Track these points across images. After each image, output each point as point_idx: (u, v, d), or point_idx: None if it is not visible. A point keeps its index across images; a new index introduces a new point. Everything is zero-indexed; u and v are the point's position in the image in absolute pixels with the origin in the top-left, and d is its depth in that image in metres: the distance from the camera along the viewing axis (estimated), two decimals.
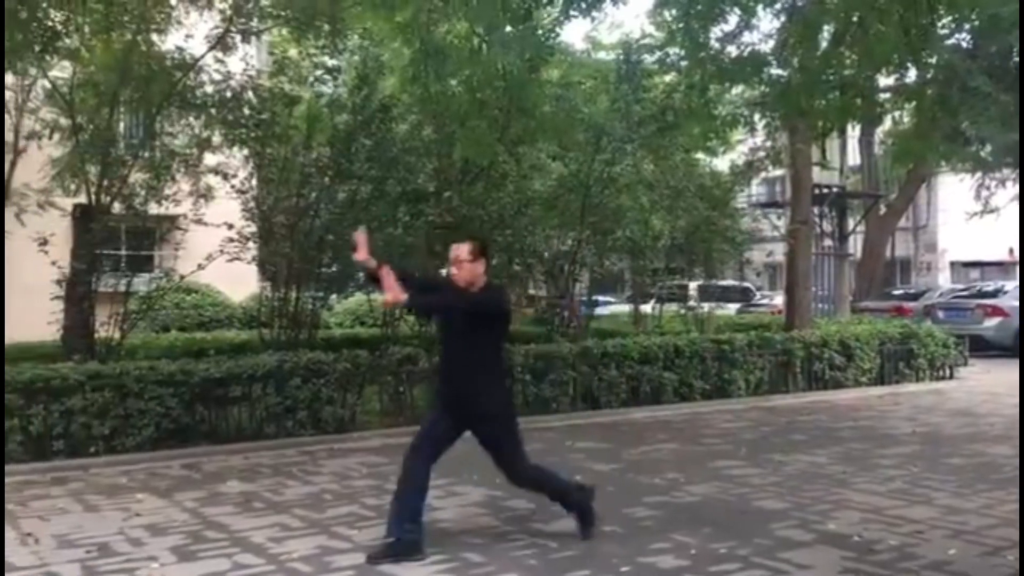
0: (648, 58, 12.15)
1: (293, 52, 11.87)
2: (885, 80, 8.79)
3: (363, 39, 11.57)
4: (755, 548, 5.06)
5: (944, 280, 30.76)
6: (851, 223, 23.21)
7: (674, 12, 7.80)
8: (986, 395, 12.09)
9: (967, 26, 6.94)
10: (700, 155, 15.94)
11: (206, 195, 11.37)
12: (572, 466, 7.44)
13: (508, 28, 7.99)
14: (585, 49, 20.31)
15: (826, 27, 7.67)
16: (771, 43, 8.05)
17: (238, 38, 10.75)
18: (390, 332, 11.74)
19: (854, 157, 24.99)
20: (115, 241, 13.10)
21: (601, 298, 18.19)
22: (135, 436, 7.89)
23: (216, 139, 11.10)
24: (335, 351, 9.26)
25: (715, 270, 16.70)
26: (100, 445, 7.76)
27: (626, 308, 19.62)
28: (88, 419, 7.72)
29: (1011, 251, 27.06)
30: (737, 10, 7.48)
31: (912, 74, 7.74)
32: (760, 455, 7.92)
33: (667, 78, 12.64)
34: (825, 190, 21.30)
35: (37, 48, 9.66)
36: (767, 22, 8.50)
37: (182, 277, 10.82)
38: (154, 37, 10.43)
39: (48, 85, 11.13)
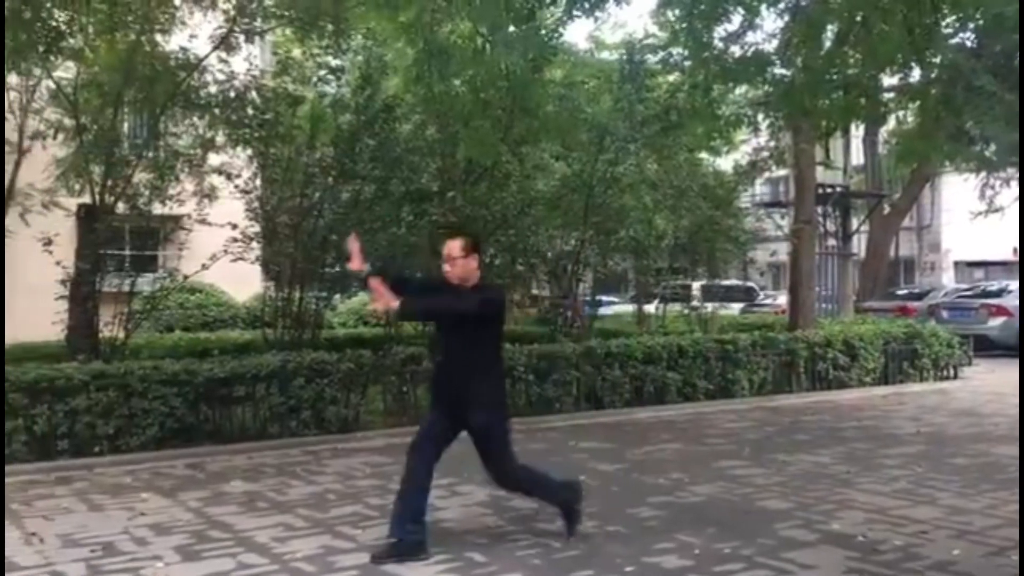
0: (651, 58, 12.13)
1: (297, 52, 11.88)
2: (889, 79, 8.77)
3: (367, 39, 11.57)
4: (759, 548, 5.06)
5: (948, 280, 30.72)
6: (855, 223, 23.18)
7: (677, 12, 7.79)
8: (990, 395, 12.07)
9: (971, 25, 6.93)
10: (704, 155, 15.96)
11: (210, 195, 11.38)
12: (576, 466, 7.44)
13: (511, 28, 8.00)
14: (588, 49, 20.35)
15: (830, 27, 7.66)
16: (775, 43, 8.04)
17: (242, 38, 10.75)
18: (393, 332, 11.75)
19: (858, 157, 24.93)
20: (119, 241, 13.11)
21: (605, 298, 18.22)
22: (139, 436, 7.90)
23: (220, 139, 11.11)
24: (339, 351, 9.26)
25: (719, 270, 16.70)
26: (104, 445, 7.77)
27: (630, 308, 19.65)
28: (92, 419, 7.74)
29: (1015, 251, 27.00)
30: (740, 10, 7.47)
31: (916, 73, 7.73)
32: (764, 455, 7.91)
33: (671, 78, 12.63)
34: (829, 190, 21.26)
35: (41, 48, 9.68)
36: (771, 22, 8.53)
37: (186, 277, 10.83)
38: (158, 37, 10.44)
39: (52, 85, 11.15)
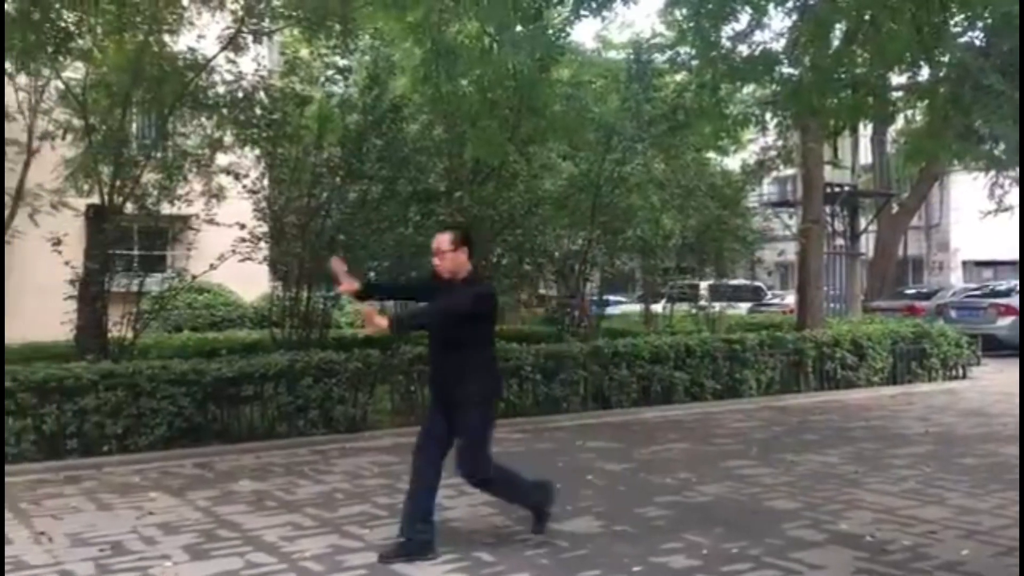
0: (659, 57, 12.15)
1: (304, 52, 11.91)
2: (897, 78, 8.75)
3: (374, 39, 11.61)
4: (767, 548, 5.05)
5: (957, 279, 30.63)
6: (863, 222, 23.13)
7: (685, 11, 7.78)
8: (999, 395, 12.03)
9: (980, 24, 6.91)
10: (711, 154, 15.93)
11: (218, 195, 11.42)
12: (583, 466, 7.45)
13: (519, 28, 7.99)
14: (595, 48, 20.32)
15: (838, 25, 7.64)
16: (782, 42, 8.02)
17: (250, 38, 10.78)
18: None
19: (866, 156, 24.90)
20: (128, 241, 13.17)
21: (612, 298, 18.24)
22: (148, 435, 7.92)
23: (228, 139, 11.14)
24: (346, 350, 9.28)
25: (726, 269, 16.68)
26: (113, 444, 7.80)
27: (637, 308, 19.63)
28: (101, 418, 7.76)
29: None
30: (748, 9, 7.45)
31: (925, 72, 7.70)
32: (772, 455, 7.90)
33: (678, 77, 12.64)
34: (837, 189, 21.23)
35: (50, 49, 9.72)
36: (778, 21, 8.46)
37: (194, 277, 10.86)
38: (166, 38, 10.48)
39: (61, 86, 11.19)
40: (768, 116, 9.43)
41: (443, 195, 11.62)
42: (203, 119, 11.05)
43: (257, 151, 11.02)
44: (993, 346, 16.39)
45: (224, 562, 4.89)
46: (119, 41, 10.20)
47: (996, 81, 5.92)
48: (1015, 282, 20.53)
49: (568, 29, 9.33)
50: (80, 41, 9.98)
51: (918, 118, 11.11)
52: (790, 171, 20.87)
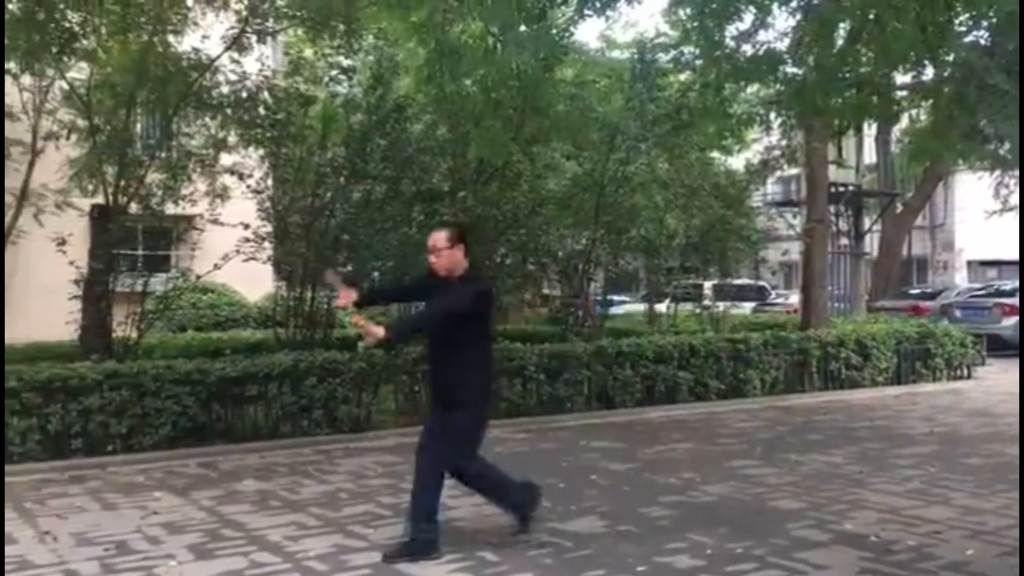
0: (663, 57, 12.13)
1: (308, 52, 11.91)
2: (902, 78, 8.72)
3: (378, 39, 11.60)
4: (771, 548, 5.05)
5: (961, 279, 30.58)
6: (867, 222, 23.10)
7: (689, 11, 7.76)
8: (1004, 395, 12.01)
9: (985, 23, 6.89)
10: (715, 154, 15.92)
11: (222, 195, 11.42)
12: (587, 466, 7.45)
13: (523, 28, 7.98)
14: (599, 48, 20.35)
15: (842, 25, 7.62)
16: (786, 41, 8.01)
17: (254, 39, 10.79)
18: None
19: (870, 155, 24.88)
20: (132, 241, 13.17)
21: (616, 297, 18.19)
22: (152, 435, 7.94)
23: (232, 139, 11.15)
24: (350, 350, 9.28)
25: (730, 269, 16.66)
26: (117, 444, 7.82)
27: (641, 307, 19.63)
28: (106, 418, 7.78)
29: None
30: (752, 8, 7.44)
31: (929, 72, 7.68)
32: (776, 455, 7.90)
33: (682, 77, 12.62)
34: (841, 189, 21.20)
35: (55, 49, 9.73)
36: (782, 20, 8.46)
37: (198, 277, 10.87)
38: (170, 38, 10.49)
39: (66, 86, 11.20)
40: (772, 116, 9.42)
41: (447, 195, 11.62)
42: (207, 119, 11.06)
43: (261, 151, 11.02)
44: (998, 346, 16.36)
45: (228, 562, 4.89)
46: (123, 41, 10.21)
47: (1001, 80, 5.90)
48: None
49: (572, 29, 9.27)
50: (84, 41, 10.00)
51: (922, 118, 11.08)
52: (794, 171, 20.86)
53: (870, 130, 22.24)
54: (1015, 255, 27.58)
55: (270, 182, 11.10)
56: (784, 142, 16.62)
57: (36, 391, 7.57)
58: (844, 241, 22.15)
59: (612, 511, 5.89)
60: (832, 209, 19.38)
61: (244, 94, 10.66)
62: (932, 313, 18.93)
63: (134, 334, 10.05)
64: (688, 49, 8.43)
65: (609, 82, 14.74)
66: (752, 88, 10.39)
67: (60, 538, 5.37)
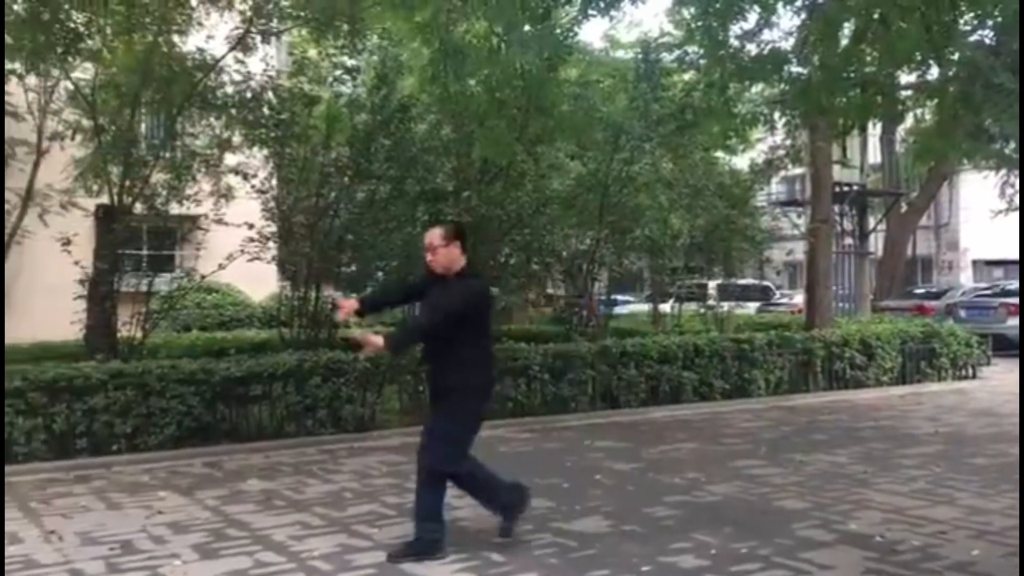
0: (667, 56, 12.12)
1: (313, 52, 11.92)
2: (906, 77, 8.73)
3: (382, 39, 11.61)
4: (776, 548, 5.04)
5: (966, 279, 30.50)
6: (872, 221, 23.05)
7: (693, 10, 7.76)
8: (1009, 395, 11.97)
9: (990, 22, 6.88)
10: (719, 153, 15.93)
11: (227, 195, 11.44)
12: (591, 465, 7.45)
13: (527, 27, 7.98)
14: (603, 48, 20.34)
15: (847, 24, 7.62)
16: (791, 41, 8.00)
17: (258, 39, 10.80)
18: None
19: (875, 155, 24.80)
20: (137, 241, 13.22)
21: (620, 297, 18.22)
22: (157, 435, 7.95)
23: (236, 139, 11.17)
24: (355, 350, 9.28)
25: (734, 269, 16.66)
26: (122, 443, 7.83)
27: (645, 307, 19.65)
28: (111, 418, 7.79)
29: None
30: (757, 8, 7.44)
31: (934, 71, 7.67)
32: (781, 455, 7.89)
33: (686, 76, 12.62)
34: (845, 188, 21.16)
35: (60, 50, 9.76)
36: (787, 19, 8.47)
37: (203, 277, 10.89)
38: (175, 38, 10.50)
39: (71, 86, 11.23)
40: (776, 115, 9.41)
41: (451, 195, 11.62)
42: (212, 119, 11.08)
43: (265, 151, 11.04)
44: (1003, 346, 16.31)
45: (233, 561, 4.90)
46: (128, 42, 10.23)
47: (1007, 80, 5.89)
48: None
49: (576, 29, 9.29)
50: (89, 42, 10.02)
51: (927, 117, 11.07)
52: (799, 170, 20.79)
53: (875, 129, 22.18)
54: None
55: (274, 182, 11.10)
56: (788, 142, 16.59)
57: (41, 391, 7.58)
58: (848, 241, 22.09)
59: (616, 511, 5.89)
60: (836, 209, 19.36)
61: (248, 94, 10.68)
62: (937, 313, 18.89)
63: (139, 334, 10.06)
64: (692, 49, 8.43)
65: (613, 82, 14.75)
66: (756, 88, 10.40)
67: (65, 537, 5.37)
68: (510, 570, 4.73)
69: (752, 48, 7.82)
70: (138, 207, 10.37)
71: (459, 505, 5.91)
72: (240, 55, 10.70)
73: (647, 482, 6.86)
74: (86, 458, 7.60)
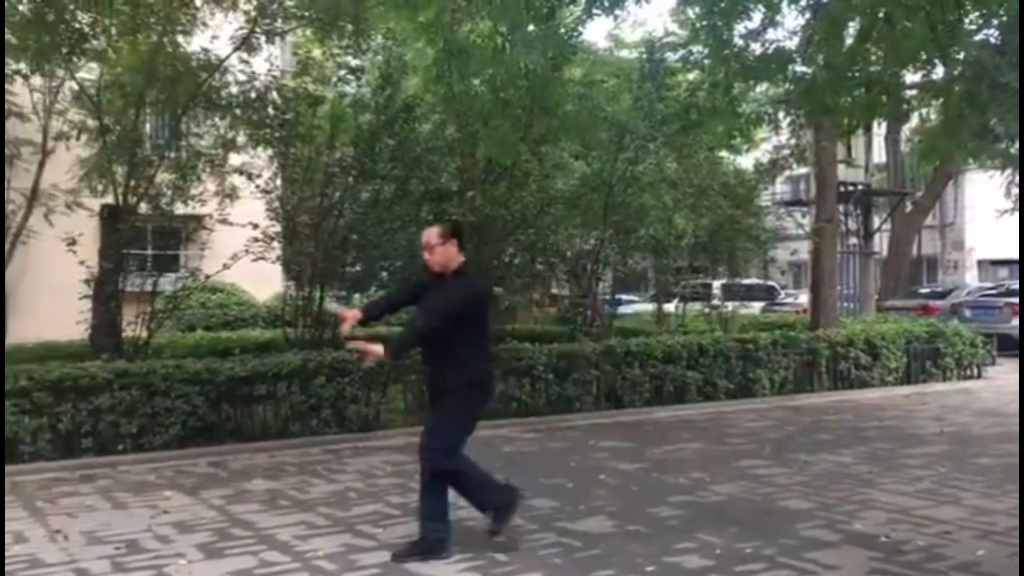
0: (671, 56, 12.14)
1: (317, 52, 11.95)
2: (911, 76, 8.71)
3: (386, 39, 11.62)
4: (781, 548, 5.04)
5: (972, 278, 30.46)
6: (877, 221, 23.02)
7: (697, 10, 7.75)
8: (1014, 395, 11.92)
9: (995, 21, 6.86)
10: (724, 153, 15.89)
11: (231, 195, 11.46)
12: (596, 465, 7.45)
13: (531, 27, 7.98)
14: (608, 47, 20.31)
15: (851, 23, 7.61)
16: (796, 40, 7.99)
17: (262, 39, 10.82)
18: None
19: (880, 154, 24.78)
20: (142, 241, 13.24)
21: (624, 297, 18.20)
22: (162, 434, 7.96)
23: (241, 139, 11.18)
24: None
25: (739, 269, 16.65)
26: (128, 443, 7.84)
27: (649, 307, 19.61)
28: (116, 417, 7.80)
29: None
30: (761, 7, 7.43)
31: (939, 70, 7.66)
32: (785, 455, 7.88)
33: (690, 76, 12.61)
34: (850, 188, 21.14)
35: (65, 50, 9.77)
36: (792, 19, 8.44)
37: (207, 277, 10.91)
38: (180, 39, 10.51)
39: (76, 87, 11.25)
40: (781, 115, 9.40)
41: (455, 194, 11.63)
42: (216, 119, 11.09)
43: (270, 151, 11.05)
44: (1008, 345, 16.26)
45: (238, 560, 4.91)
46: (133, 42, 10.24)
47: (1013, 79, 5.88)
48: None
49: (580, 28, 9.31)
50: (94, 42, 10.03)
51: (932, 116, 11.06)
52: (803, 170, 20.79)
53: (880, 129, 22.18)
54: None
55: (279, 182, 11.12)
56: (793, 141, 16.56)
57: (47, 390, 7.60)
58: (853, 240, 22.09)
59: (621, 511, 5.89)
60: (841, 208, 19.32)
61: (253, 94, 10.69)
62: (942, 312, 18.85)
63: (144, 334, 10.08)
64: (697, 48, 8.41)
65: (618, 81, 14.74)
66: (761, 87, 10.37)
67: (71, 537, 5.39)
68: (514, 570, 4.73)
69: (757, 47, 7.82)
70: (143, 207, 10.39)
71: (463, 505, 5.89)
72: (244, 55, 10.72)
73: (651, 482, 6.86)
74: (91, 457, 7.62)
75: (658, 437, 8.89)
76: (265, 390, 8.55)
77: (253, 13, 10.58)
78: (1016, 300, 18.76)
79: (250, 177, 10.77)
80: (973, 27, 6.97)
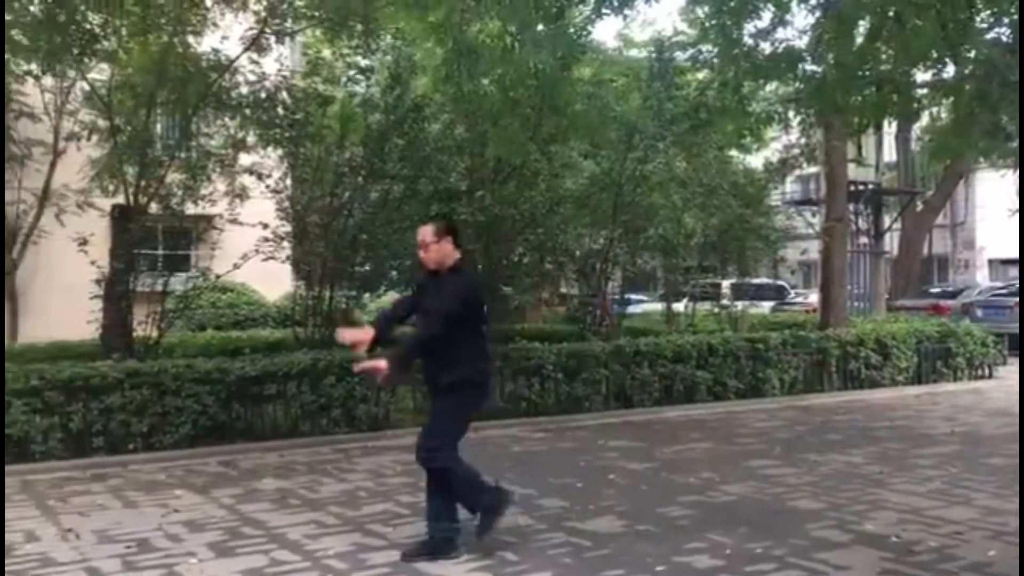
0: (681, 55, 12.12)
1: (327, 52, 11.96)
2: (922, 75, 8.68)
3: (396, 39, 11.63)
4: (791, 548, 5.02)
5: (982, 278, 30.31)
6: (887, 220, 22.94)
7: (707, 9, 7.75)
8: None
9: (1006, 20, 6.83)
10: (733, 152, 15.88)
11: (241, 195, 11.49)
12: (605, 465, 7.44)
13: (540, 27, 7.99)
14: (617, 47, 20.29)
15: (862, 22, 7.58)
16: (806, 39, 7.97)
17: (272, 39, 10.85)
18: None
19: (890, 154, 24.68)
20: (152, 241, 13.28)
21: (633, 296, 18.18)
22: (173, 433, 7.99)
23: (251, 139, 11.21)
24: (369, 349, 9.29)
25: (749, 268, 16.61)
26: (139, 442, 7.88)
27: (659, 307, 19.60)
28: (127, 416, 7.84)
29: None
30: (771, 6, 7.41)
31: (950, 69, 7.63)
32: (795, 455, 7.86)
33: (700, 75, 12.59)
34: (861, 187, 21.06)
35: (76, 51, 9.81)
36: (801, 18, 8.44)
37: (218, 276, 10.94)
38: (190, 39, 10.55)
39: (87, 87, 11.30)
40: (791, 114, 9.39)
41: (464, 194, 11.63)
42: (226, 119, 11.12)
43: (280, 151, 11.08)
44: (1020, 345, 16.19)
45: (249, 559, 4.92)
46: (144, 42, 10.28)
47: None
48: None
49: (589, 28, 9.29)
50: (105, 43, 10.07)
51: (943, 115, 11.02)
52: (813, 169, 20.77)
53: (890, 128, 22.08)
54: None
55: (289, 182, 11.14)
56: (803, 140, 16.56)
57: (58, 390, 7.64)
58: (864, 240, 21.99)
59: (631, 511, 5.88)
60: (851, 208, 19.24)
61: (263, 94, 10.72)
62: (953, 312, 18.76)
63: (154, 333, 10.11)
64: (706, 47, 8.41)
65: (627, 81, 14.72)
66: (771, 86, 10.35)
67: (82, 536, 5.41)
68: (524, 569, 4.73)
69: (766, 46, 7.80)
70: (153, 207, 10.43)
71: None
72: (254, 55, 10.75)
73: (661, 482, 6.85)
74: (102, 457, 7.66)
75: (668, 437, 8.88)
76: (275, 390, 8.57)
77: (263, 13, 10.61)
78: None
79: (260, 177, 10.79)
80: (984, 25, 6.94)
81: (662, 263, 15.98)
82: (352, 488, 6.69)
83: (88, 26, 9.76)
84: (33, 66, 10.63)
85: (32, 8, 9.62)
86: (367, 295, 12.09)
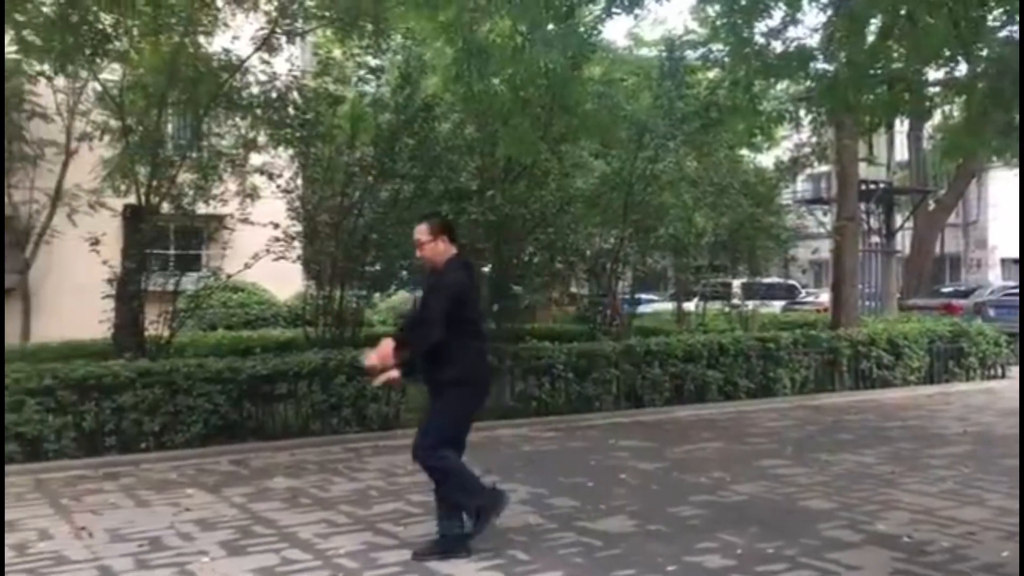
0: (691, 54, 12.07)
1: (337, 52, 11.96)
2: (934, 74, 8.64)
3: (406, 39, 11.63)
4: (802, 548, 5.01)
5: (995, 277, 30.15)
6: (899, 219, 22.84)
7: (718, 8, 7.73)
8: None
9: (1018, 18, 6.80)
10: (744, 151, 15.82)
11: (252, 195, 11.51)
12: (616, 465, 7.44)
13: (551, 26, 7.98)
14: (627, 46, 20.27)
15: (873, 20, 7.56)
16: (817, 37, 7.95)
17: (283, 39, 10.86)
18: None
19: (902, 152, 24.59)
20: (164, 241, 13.34)
21: (644, 296, 18.14)
22: (184, 432, 8.02)
23: (262, 139, 11.23)
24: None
25: (759, 267, 16.55)
26: (151, 441, 7.91)
27: (669, 306, 19.55)
28: (139, 415, 7.87)
29: None
30: (782, 5, 7.40)
31: (962, 67, 7.60)
32: (806, 454, 7.84)
33: (711, 74, 12.56)
34: (872, 186, 20.98)
35: (88, 51, 9.86)
36: (813, 16, 8.40)
37: (229, 276, 10.97)
38: (201, 39, 10.57)
39: (99, 87, 11.34)
40: (802, 112, 9.37)
41: (475, 193, 11.62)
42: (237, 119, 11.14)
43: (291, 151, 11.09)
44: None
45: (260, 558, 4.94)
46: (155, 43, 10.31)
47: None
48: None
49: (600, 27, 9.27)
50: (117, 43, 10.10)
51: (955, 113, 10.95)
52: (824, 168, 20.63)
53: (902, 126, 22.00)
54: None
55: (299, 182, 11.16)
56: (814, 139, 16.46)
57: (71, 389, 7.68)
58: (875, 239, 21.91)
59: (641, 510, 5.88)
60: (863, 207, 19.20)
61: (274, 94, 10.74)
62: (965, 311, 18.66)
63: (166, 333, 10.15)
64: (717, 46, 8.40)
65: (637, 80, 14.70)
66: (782, 85, 10.32)
67: (95, 534, 5.44)
68: (535, 569, 4.73)
69: (777, 45, 7.78)
70: (165, 207, 10.46)
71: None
72: (265, 55, 10.76)
73: (672, 481, 6.84)
74: (115, 455, 7.70)
75: (678, 436, 8.87)
76: (286, 389, 8.60)
77: (274, 13, 10.63)
78: None
79: (271, 177, 10.81)
80: (996, 23, 6.91)
81: (672, 262, 15.94)
82: (363, 487, 6.70)
83: (100, 26, 9.80)
84: (46, 66, 10.68)
85: (45, 9, 9.66)
86: (377, 294, 12.10)
